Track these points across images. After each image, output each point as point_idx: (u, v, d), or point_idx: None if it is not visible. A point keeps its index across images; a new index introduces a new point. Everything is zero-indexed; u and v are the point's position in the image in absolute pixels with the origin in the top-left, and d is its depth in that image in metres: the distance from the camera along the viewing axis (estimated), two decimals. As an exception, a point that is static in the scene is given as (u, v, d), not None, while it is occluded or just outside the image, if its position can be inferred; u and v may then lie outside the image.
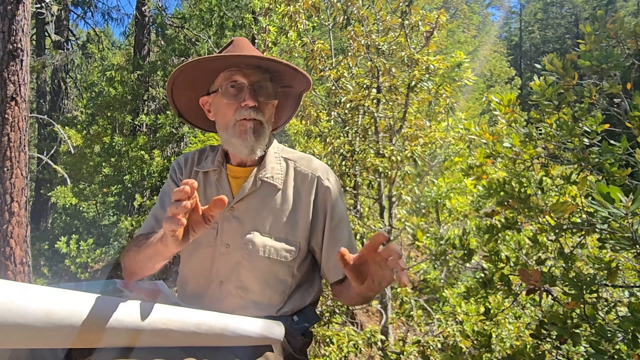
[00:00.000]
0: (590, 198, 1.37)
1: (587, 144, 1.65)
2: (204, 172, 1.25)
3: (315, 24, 4.43)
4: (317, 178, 1.21)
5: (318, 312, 1.31)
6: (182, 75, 1.20)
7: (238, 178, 1.22)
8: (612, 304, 1.73)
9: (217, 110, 1.20)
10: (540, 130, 1.84)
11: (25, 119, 5.03)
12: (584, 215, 1.71)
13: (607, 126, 1.67)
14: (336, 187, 1.23)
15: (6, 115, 4.88)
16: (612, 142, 1.59)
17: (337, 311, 3.50)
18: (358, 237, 3.38)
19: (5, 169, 4.89)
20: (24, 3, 4.97)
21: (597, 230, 1.60)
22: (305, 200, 1.19)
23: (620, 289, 1.90)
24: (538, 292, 1.55)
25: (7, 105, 4.88)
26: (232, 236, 1.17)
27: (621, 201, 1.14)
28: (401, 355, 2.84)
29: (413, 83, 3.42)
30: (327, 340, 3.04)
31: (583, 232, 1.70)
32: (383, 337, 3.28)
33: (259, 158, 1.21)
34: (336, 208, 1.21)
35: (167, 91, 1.26)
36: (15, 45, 4.89)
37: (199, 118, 1.32)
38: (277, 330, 1.08)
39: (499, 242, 2.13)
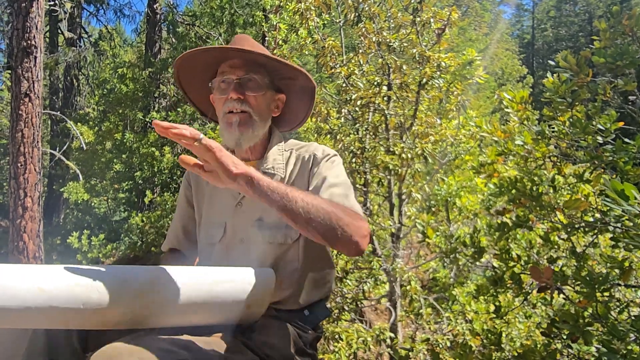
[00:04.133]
0: (603, 196, 1.36)
1: (601, 142, 1.63)
2: None
3: (325, 22, 4.42)
4: (313, 155, 1.22)
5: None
6: (186, 74, 1.25)
7: None
8: (625, 303, 1.71)
9: (215, 105, 1.24)
10: (553, 128, 1.83)
11: (38, 115, 5.10)
12: (596, 214, 1.70)
13: (621, 124, 1.65)
14: (329, 158, 1.22)
15: (20, 112, 4.95)
16: (626, 140, 1.57)
17: (346, 308, 3.51)
18: (367, 234, 3.38)
19: (19, 165, 4.97)
20: (37, 0, 5.03)
21: (610, 229, 1.59)
22: (305, 179, 1.20)
23: (633, 288, 1.88)
24: (549, 290, 1.54)
25: (21, 101, 4.95)
26: (243, 229, 1.19)
27: (636, 198, 1.13)
28: (410, 353, 2.84)
29: (424, 80, 3.41)
30: (337, 336, 3.05)
31: (596, 231, 1.68)
32: (392, 335, 3.28)
33: (261, 152, 1.24)
34: (322, 172, 1.18)
35: (181, 90, 1.30)
36: (29, 42, 4.95)
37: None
38: (268, 276, 1.05)
39: (510, 240, 2.12)
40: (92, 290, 0.82)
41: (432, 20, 3.41)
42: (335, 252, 3.52)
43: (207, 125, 6.69)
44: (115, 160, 7.98)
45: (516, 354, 1.71)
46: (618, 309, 1.66)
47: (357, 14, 3.65)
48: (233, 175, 0.89)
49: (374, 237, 3.58)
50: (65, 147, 8.86)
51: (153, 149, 7.69)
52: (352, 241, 1.00)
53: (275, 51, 3.94)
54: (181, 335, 0.91)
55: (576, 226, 1.68)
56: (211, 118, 1.37)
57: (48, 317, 0.81)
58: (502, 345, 2.03)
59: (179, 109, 7.59)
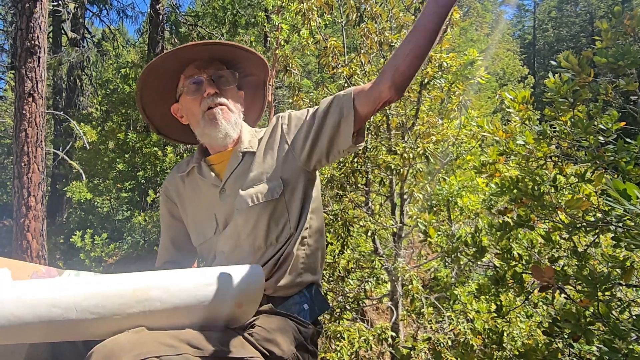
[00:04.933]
0: (605, 196, 1.36)
1: (603, 142, 1.64)
2: (187, 173, 1.31)
3: (327, 22, 4.43)
4: (278, 117, 1.28)
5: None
6: (147, 90, 1.26)
7: (221, 162, 1.27)
8: (626, 303, 1.72)
9: (187, 110, 1.25)
10: (555, 127, 1.84)
11: (42, 115, 5.12)
12: (598, 214, 1.70)
13: (622, 124, 1.66)
14: (293, 111, 1.28)
15: (24, 111, 4.97)
16: (627, 140, 1.58)
17: (348, 307, 3.51)
18: (369, 233, 3.39)
19: (23, 164, 4.99)
20: (41, 1, 5.05)
21: (611, 228, 1.59)
22: (274, 139, 1.24)
23: (635, 288, 1.89)
24: (551, 289, 1.54)
25: (25, 101, 4.98)
26: (231, 213, 1.21)
27: (637, 198, 1.14)
28: (412, 352, 2.84)
29: (426, 80, 3.41)
30: (338, 335, 3.05)
31: (597, 231, 1.69)
32: (393, 334, 3.29)
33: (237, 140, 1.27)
34: (299, 117, 1.24)
35: (139, 110, 1.31)
36: (32, 42, 4.98)
37: (177, 131, 1.39)
38: (256, 272, 1.02)
39: (511, 240, 2.12)
40: (69, 311, 0.82)
41: (434, 20, 3.41)
42: (329, 246, 3.53)
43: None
44: (118, 159, 8.01)
45: (517, 353, 1.72)
46: (619, 308, 1.67)
47: (359, 14, 3.66)
48: None
49: (375, 237, 3.59)
50: (68, 147, 8.90)
51: (155, 148, 7.71)
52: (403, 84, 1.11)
53: (277, 51, 3.95)
54: (183, 330, 0.92)
55: (578, 226, 1.68)
56: (175, 139, 1.41)
57: (23, 335, 0.81)
58: (504, 345, 2.04)
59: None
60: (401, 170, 3.41)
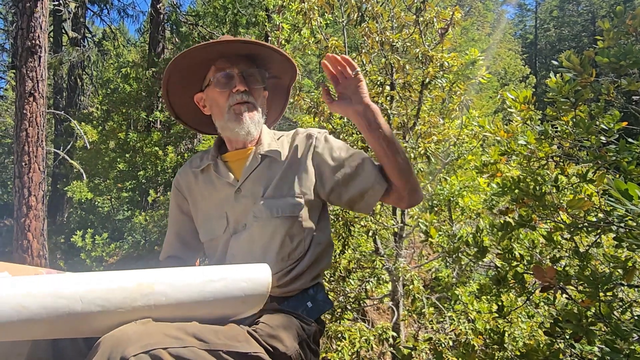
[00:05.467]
0: (607, 196, 1.36)
1: (604, 141, 1.63)
2: (202, 170, 1.31)
3: (328, 21, 4.43)
4: (307, 134, 1.28)
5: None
6: (175, 74, 1.25)
7: (238, 160, 1.28)
8: (628, 303, 1.71)
9: (212, 101, 1.26)
10: (556, 127, 1.83)
11: (42, 114, 5.12)
12: (600, 214, 1.70)
13: (624, 124, 1.65)
14: (329, 136, 1.29)
15: (24, 111, 4.97)
16: (629, 140, 1.57)
17: (349, 307, 3.51)
18: (370, 233, 3.39)
19: (24, 164, 4.99)
20: (42, 0, 5.05)
21: (613, 229, 1.59)
22: (303, 155, 1.25)
23: (637, 288, 1.88)
24: (552, 289, 1.54)
25: (26, 100, 4.98)
26: (246, 214, 1.21)
27: (639, 198, 1.13)
28: (412, 352, 2.84)
29: (427, 80, 3.41)
30: (339, 335, 3.05)
31: (599, 231, 1.68)
32: (394, 334, 3.28)
33: (257, 140, 1.28)
34: (334, 149, 1.25)
35: (162, 94, 1.32)
36: (33, 42, 4.98)
37: (195, 119, 1.39)
38: (263, 271, 1.02)
39: (512, 240, 2.12)
40: (75, 302, 0.82)
41: (435, 20, 3.41)
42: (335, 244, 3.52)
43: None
44: (118, 159, 8.01)
45: (519, 354, 1.71)
46: (621, 308, 1.66)
47: (360, 14, 3.65)
48: (366, 102, 1.16)
49: (376, 237, 3.59)
50: (69, 147, 8.91)
51: (156, 148, 7.71)
52: (417, 190, 1.19)
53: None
54: (190, 322, 0.92)
55: (579, 226, 1.68)
56: (191, 125, 1.41)
57: (31, 329, 0.81)
58: (505, 345, 2.03)
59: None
60: (402, 170, 3.40)
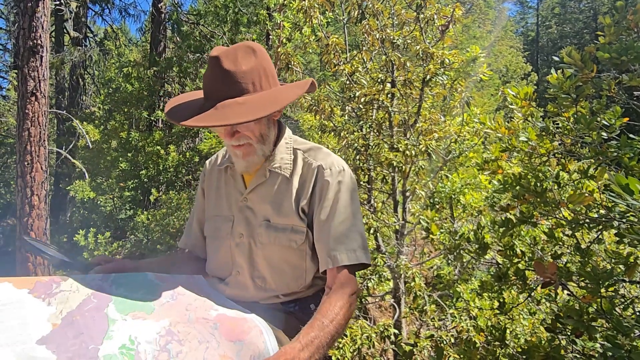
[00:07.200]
0: (608, 191, 1.36)
1: (606, 137, 1.63)
2: (225, 167, 1.32)
3: (329, 19, 4.43)
4: (318, 167, 1.20)
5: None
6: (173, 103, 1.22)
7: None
8: (630, 299, 1.71)
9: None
10: (558, 124, 1.83)
11: (45, 114, 5.13)
12: (601, 210, 1.70)
13: (626, 120, 1.65)
14: (336, 179, 1.18)
15: (26, 111, 4.98)
16: (631, 136, 1.57)
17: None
18: (372, 231, 3.39)
19: (26, 163, 5.01)
20: (43, 0, 5.06)
21: (614, 225, 1.59)
22: (307, 188, 1.21)
23: (638, 284, 1.88)
24: (554, 286, 1.54)
25: (28, 100, 4.99)
26: (245, 225, 1.22)
27: (640, 193, 1.13)
28: (414, 349, 2.84)
29: (428, 77, 3.40)
30: (341, 333, 3.05)
31: (600, 227, 1.68)
32: (396, 331, 3.29)
33: (270, 148, 1.24)
34: (327, 200, 1.17)
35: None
36: (35, 41, 4.99)
37: None
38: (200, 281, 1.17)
39: (514, 236, 2.12)
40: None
41: (435, 17, 3.41)
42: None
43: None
44: (120, 158, 8.03)
45: (520, 350, 1.72)
46: (623, 304, 1.66)
47: (360, 11, 3.65)
48: None
49: (378, 234, 3.59)
50: (71, 146, 8.92)
51: (158, 147, 7.73)
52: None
53: (279, 49, 3.94)
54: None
55: (580, 222, 1.67)
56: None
57: None
58: (507, 342, 2.03)
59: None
60: (403, 167, 3.41)
